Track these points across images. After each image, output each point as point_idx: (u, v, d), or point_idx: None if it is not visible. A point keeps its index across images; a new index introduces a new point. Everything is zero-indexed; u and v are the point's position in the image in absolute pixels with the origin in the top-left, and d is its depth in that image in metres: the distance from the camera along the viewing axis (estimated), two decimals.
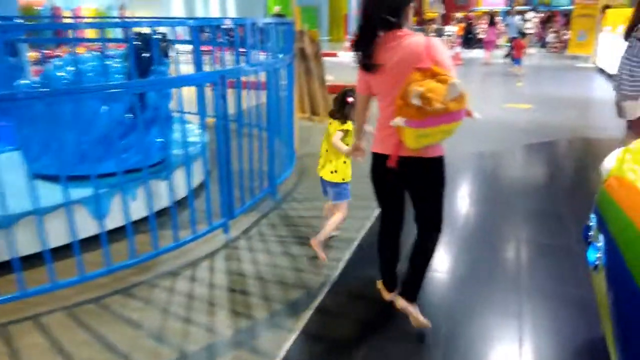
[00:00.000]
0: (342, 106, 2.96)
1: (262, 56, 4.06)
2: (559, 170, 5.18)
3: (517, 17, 15.45)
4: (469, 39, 21.04)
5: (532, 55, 18.16)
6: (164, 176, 3.56)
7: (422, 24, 25.23)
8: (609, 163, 2.02)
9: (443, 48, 2.18)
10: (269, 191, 4.16)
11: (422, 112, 2.00)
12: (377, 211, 3.77)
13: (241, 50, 3.67)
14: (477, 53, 19.74)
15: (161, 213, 3.45)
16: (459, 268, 3.11)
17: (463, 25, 22.00)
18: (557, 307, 2.67)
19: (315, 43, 5.19)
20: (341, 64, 14.52)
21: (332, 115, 3.03)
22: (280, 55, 4.27)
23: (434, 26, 23.99)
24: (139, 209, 3.36)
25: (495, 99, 9.40)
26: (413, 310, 2.42)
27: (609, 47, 12.49)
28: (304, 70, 5.36)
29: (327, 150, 3.13)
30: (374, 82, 2.29)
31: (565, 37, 18.72)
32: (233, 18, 3.72)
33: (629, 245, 1.53)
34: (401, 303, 2.46)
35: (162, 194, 3.47)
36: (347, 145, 2.94)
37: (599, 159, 5.55)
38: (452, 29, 22.26)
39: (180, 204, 3.63)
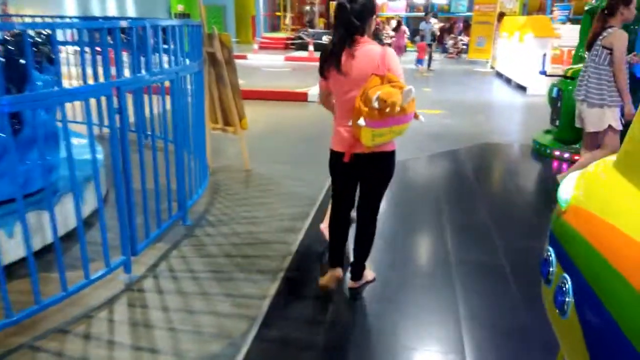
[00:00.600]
0: None
1: (165, 62, 3.56)
2: (477, 178, 5.19)
3: (433, 21, 15.82)
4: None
5: (435, 60, 18.89)
6: (46, 206, 2.97)
7: (329, 27, 25.45)
8: (566, 190, 1.84)
9: (396, 57, 2.45)
10: (179, 216, 3.66)
11: (379, 114, 2.25)
12: (299, 240, 3.49)
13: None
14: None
15: (50, 249, 2.86)
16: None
17: None
18: (500, 340, 2.50)
19: (227, 47, 4.74)
20: (251, 67, 14.06)
21: None
22: (187, 61, 3.80)
23: None
24: (17, 249, 2.75)
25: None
26: (362, 280, 2.88)
27: (505, 52, 13.25)
28: (215, 78, 4.89)
29: None
30: (334, 82, 2.51)
31: (461, 43, 19.70)
32: (131, 18, 3.18)
33: (608, 289, 1.32)
34: (352, 284, 2.87)
35: (47, 227, 2.87)
36: None
37: (512, 165, 5.58)
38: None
39: (73, 237, 3.05)
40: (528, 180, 5.31)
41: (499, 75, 13.83)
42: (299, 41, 22.59)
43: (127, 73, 2.86)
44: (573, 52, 14.24)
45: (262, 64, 16.13)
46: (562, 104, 5.63)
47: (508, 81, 12.50)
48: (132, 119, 3.02)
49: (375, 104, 2.22)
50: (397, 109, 2.24)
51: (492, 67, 15.63)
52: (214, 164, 5.22)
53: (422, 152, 5.88)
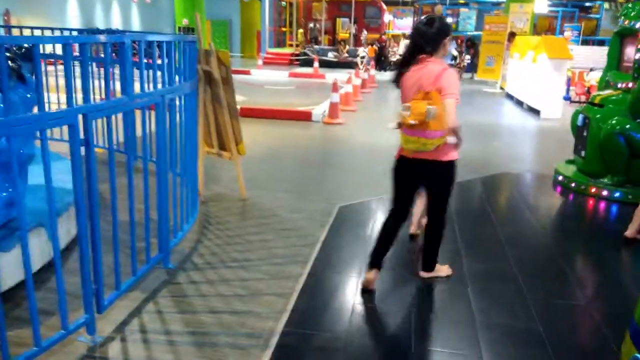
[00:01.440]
0: None
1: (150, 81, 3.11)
2: (499, 216, 4.69)
3: (453, 43, 15.10)
4: (382, 61, 21.14)
5: None
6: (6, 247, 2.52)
7: (335, 44, 25.22)
8: None
9: (452, 76, 2.68)
10: (160, 257, 3.18)
11: (406, 123, 2.64)
12: (297, 291, 2.98)
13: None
14: (390, 75, 19.86)
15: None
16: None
17: (375, 47, 22.13)
18: None
19: (225, 65, 4.30)
20: (254, 83, 13.67)
21: None
22: (178, 81, 3.35)
23: (347, 47, 24.06)
24: None
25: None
26: (435, 273, 3.18)
27: (517, 73, 12.83)
28: (210, 98, 4.45)
29: None
30: (402, 94, 2.87)
31: (464, 62, 19.12)
32: (133, 31, 2.72)
33: None
34: (423, 274, 3.18)
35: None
36: None
37: (536, 200, 5.02)
38: (365, 51, 22.35)
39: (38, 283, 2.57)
40: (556, 220, 4.81)
41: (510, 96, 13.39)
42: (304, 57, 22.30)
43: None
44: (585, 74, 13.94)
45: (265, 80, 15.75)
46: (588, 134, 5.16)
47: (519, 103, 12.05)
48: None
49: (405, 113, 2.62)
50: (410, 122, 2.59)
51: (501, 88, 15.22)
52: (207, 191, 4.76)
53: None
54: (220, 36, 26.10)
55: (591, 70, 14.03)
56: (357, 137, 7.78)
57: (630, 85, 4.91)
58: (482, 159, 6.67)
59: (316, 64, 18.93)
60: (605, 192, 4.96)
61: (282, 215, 4.29)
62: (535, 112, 10.75)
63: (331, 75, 17.26)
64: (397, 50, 18.72)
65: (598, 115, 5.09)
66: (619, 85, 5.16)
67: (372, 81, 15.33)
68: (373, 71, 16.11)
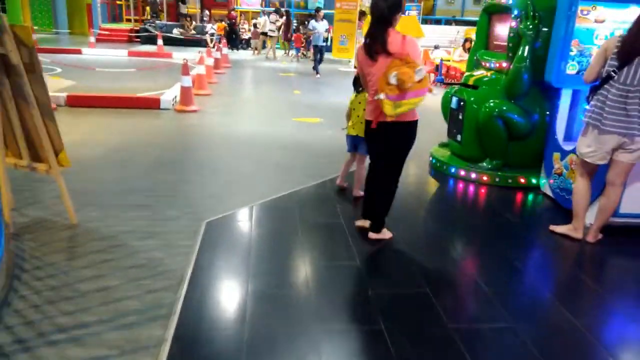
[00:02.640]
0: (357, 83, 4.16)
1: None
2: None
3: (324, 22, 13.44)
4: (234, 39, 19.98)
5: (287, 58, 18.09)
6: None
7: (179, 19, 23.31)
8: None
9: (414, 43, 3.05)
10: None
11: (398, 89, 2.90)
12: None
13: None
14: (243, 54, 18.85)
15: None
16: None
17: (224, 24, 20.84)
18: None
19: (27, 46, 3.09)
20: (86, 65, 11.63)
21: (358, 90, 4.25)
22: None
23: (194, 23, 22.34)
24: None
25: (282, 111, 8.33)
26: (381, 235, 3.48)
27: None
28: (10, 92, 3.19)
29: (358, 116, 4.10)
30: (367, 65, 3.13)
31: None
32: None
33: None
34: (371, 235, 3.48)
35: None
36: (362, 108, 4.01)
37: (417, 188, 4.55)
38: (213, 28, 20.96)
39: None
40: (442, 208, 4.50)
41: None
42: (145, 34, 20.16)
43: None
44: (430, 52, 14.50)
45: (100, 60, 13.67)
46: (464, 117, 4.93)
47: None
48: None
49: (393, 81, 2.86)
50: (409, 84, 2.85)
51: (355, 67, 15.23)
52: (19, 218, 3.50)
53: (312, 178, 4.76)
54: (42, 10, 22.36)
55: (435, 47, 14.68)
56: (216, 127, 6.81)
57: (504, 65, 4.74)
58: None
59: (160, 42, 17.12)
60: (485, 177, 4.79)
61: (129, 244, 3.27)
62: None
63: (179, 55, 15.74)
64: (262, 26, 17.62)
65: (473, 98, 4.87)
66: (492, 65, 4.99)
67: (226, 61, 14.23)
68: (225, 50, 14.96)
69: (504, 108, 4.58)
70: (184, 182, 4.49)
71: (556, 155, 4.36)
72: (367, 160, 3.60)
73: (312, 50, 13.87)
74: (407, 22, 10.36)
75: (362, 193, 4.05)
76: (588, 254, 3.54)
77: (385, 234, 3.49)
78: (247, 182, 4.62)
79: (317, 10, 13.39)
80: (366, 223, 3.52)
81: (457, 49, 13.37)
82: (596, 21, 4.15)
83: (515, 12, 4.53)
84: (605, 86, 3.25)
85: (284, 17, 18.05)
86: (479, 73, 5.08)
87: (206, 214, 3.76)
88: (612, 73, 3.21)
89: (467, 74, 5.26)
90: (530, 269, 3.34)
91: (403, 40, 2.99)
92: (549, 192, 4.47)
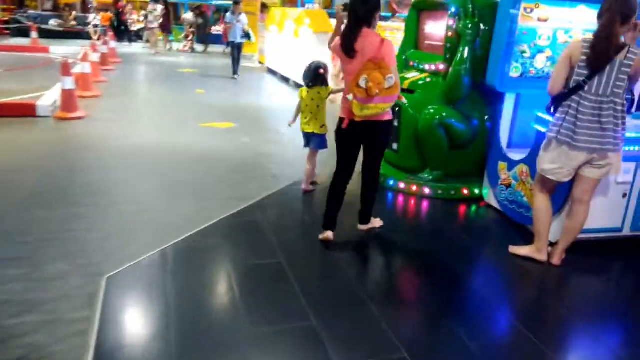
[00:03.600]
0: (318, 77, 4.09)
1: None
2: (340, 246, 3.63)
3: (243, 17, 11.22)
4: (122, 31, 18.20)
5: (179, 53, 16.88)
6: None
7: (58, 10, 20.89)
8: None
9: (391, 48, 3.00)
10: None
11: (365, 93, 2.93)
12: None
13: None
14: (135, 48, 17.20)
15: None
16: None
17: (109, 14, 18.93)
18: None
19: None
20: None
21: (308, 85, 4.13)
22: None
23: (74, 13, 20.06)
24: None
25: (186, 115, 7.38)
26: (371, 225, 3.59)
27: (278, 48, 12.14)
28: None
29: (311, 112, 4.16)
30: (346, 65, 3.07)
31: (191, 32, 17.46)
32: None
33: None
34: (362, 227, 3.57)
35: None
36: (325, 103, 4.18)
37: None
38: (97, 18, 18.97)
39: None
40: (396, 225, 4.00)
41: (272, 72, 12.70)
42: (16, 25, 17.70)
43: None
44: None
45: None
46: (400, 124, 4.48)
47: (285, 80, 11.40)
48: None
49: (363, 84, 2.91)
50: (376, 91, 2.91)
51: (260, 62, 14.48)
52: None
53: (236, 202, 4.02)
54: None
55: None
56: (109, 139, 5.75)
57: (441, 67, 4.34)
58: (281, 157, 5.56)
59: (35, 34, 15.01)
60: (427, 190, 4.38)
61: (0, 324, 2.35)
62: None
63: (58, 50, 13.88)
64: (154, 16, 15.89)
65: (409, 103, 4.42)
66: (426, 67, 4.58)
67: (114, 56, 12.74)
68: (113, 43, 13.41)
69: (444, 114, 4.18)
70: (71, 219, 3.54)
71: (502, 164, 4.05)
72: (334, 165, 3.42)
73: (230, 48, 12.02)
74: (317, 17, 9.82)
75: (310, 187, 4.32)
76: (555, 276, 3.23)
77: (376, 222, 3.62)
78: (154, 212, 3.76)
79: (236, 2, 11.29)
80: (330, 235, 3.37)
81: None
82: (539, 20, 3.86)
83: (453, 10, 4.14)
84: (574, 97, 2.91)
85: (163, 7, 16.40)
86: (412, 75, 4.64)
87: (106, 266, 2.90)
88: (582, 83, 2.87)
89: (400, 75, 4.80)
90: (494, 296, 2.93)
91: (380, 44, 2.95)
92: (495, 204, 4.17)
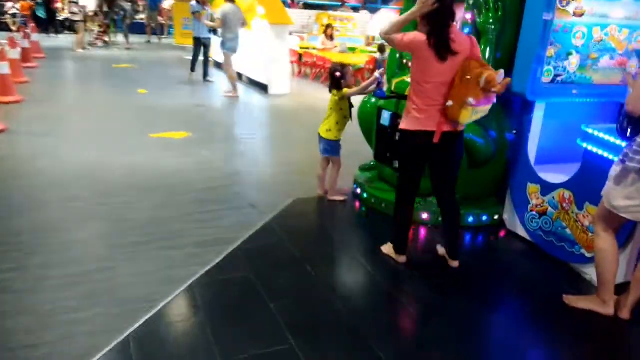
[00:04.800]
0: (335, 81, 3.83)
1: None
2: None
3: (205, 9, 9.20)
4: (46, 21, 16.32)
5: (117, 45, 15.34)
6: None
7: None
8: None
9: (477, 43, 2.78)
10: None
11: (483, 93, 2.61)
12: None
13: None
14: (62, 40, 15.41)
15: None
16: None
17: (29, 3, 16.94)
18: None
19: None
20: None
21: (331, 89, 3.89)
22: None
23: None
24: None
25: (131, 123, 6.28)
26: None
27: None
28: None
29: (337, 122, 3.88)
30: (431, 67, 2.66)
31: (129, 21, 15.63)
32: None
33: None
34: (454, 263, 3.09)
35: None
36: (342, 108, 3.86)
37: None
38: (15, 7, 16.92)
39: None
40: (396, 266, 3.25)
41: (218, 65, 11.60)
42: None
43: None
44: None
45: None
46: None
47: (238, 76, 10.37)
48: None
49: (483, 84, 2.57)
50: (498, 87, 2.57)
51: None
52: None
53: (210, 250, 3.13)
54: None
55: (290, 34, 13.44)
56: (36, 159, 4.63)
57: None
58: (249, 176, 4.67)
59: None
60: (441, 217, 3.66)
61: None
62: (260, 86, 9.27)
63: None
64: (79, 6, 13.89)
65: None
66: None
67: (37, 50, 11.17)
68: (36, 36, 11.77)
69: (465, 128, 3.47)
70: None
71: (533, 187, 3.40)
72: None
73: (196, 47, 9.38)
74: (273, 6, 8.87)
75: (339, 198, 4.03)
76: (627, 335, 2.61)
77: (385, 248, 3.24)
78: (104, 279, 2.77)
79: None
80: (404, 259, 3.11)
81: (320, 36, 12.32)
82: (575, 14, 3.22)
83: (470, 1, 3.41)
84: None
85: None
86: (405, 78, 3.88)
87: None
88: None
89: (399, 80, 4.03)
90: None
91: (470, 41, 2.74)
92: (522, 233, 3.53)
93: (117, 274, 2.81)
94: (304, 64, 11.46)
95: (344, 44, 11.85)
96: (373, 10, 17.47)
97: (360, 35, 15.18)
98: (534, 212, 3.41)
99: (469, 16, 3.43)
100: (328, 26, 12.00)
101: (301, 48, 11.84)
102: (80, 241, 3.17)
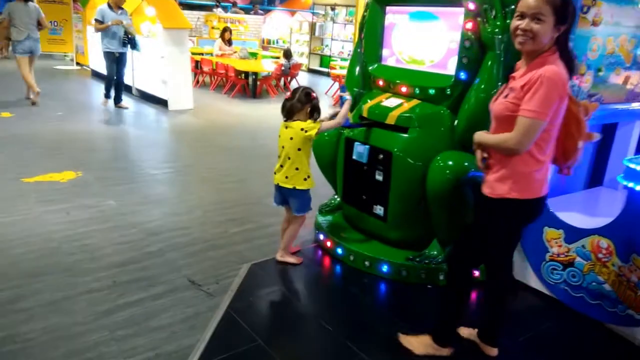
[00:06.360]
0: (310, 108, 2.84)
1: None
2: None
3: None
4: None
5: None
6: None
7: None
8: None
9: None
10: None
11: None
12: None
13: None
14: None
15: None
16: None
17: None
18: None
19: None
20: None
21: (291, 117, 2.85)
22: None
23: None
24: None
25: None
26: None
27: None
28: None
29: (289, 158, 2.86)
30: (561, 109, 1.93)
31: None
32: None
33: None
34: (492, 351, 2.37)
35: None
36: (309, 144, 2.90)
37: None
38: None
39: None
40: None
41: (100, 76, 9.94)
42: None
43: None
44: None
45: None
46: (390, 179, 2.94)
47: (126, 88, 8.86)
48: None
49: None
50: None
51: (78, 64, 11.48)
52: None
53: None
54: None
55: None
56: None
57: (431, 92, 2.89)
58: (193, 234, 3.54)
59: None
60: (441, 276, 2.92)
61: None
62: (157, 101, 7.95)
63: None
64: None
65: (402, 148, 2.90)
66: (404, 90, 3.07)
67: None
68: None
69: (469, 165, 2.75)
70: None
71: (551, 232, 2.79)
72: None
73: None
74: (166, 7, 7.58)
75: (293, 261, 3.10)
76: None
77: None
78: None
79: None
80: (450, 352, 2.35)
81: (215, 41, 11.13)
82: (594, 23, 2.66)
83: (471, 6, 2.69)
84: None
85: None
86: (393, 103, 3.09)
87: None
88: None
89: (372, 103, 3.18)
90: None
91: None
92: (538, 286, 2.92)
93: None
94: (202, 72, 10.24)
95: (244, 48, 10.81)
96: (264, 12, 16.59)
97: (254, 38, 14.23)
98: (555, 262, 2.80)
99: (470, 25, 2.71)
100: (225, 29, 10.85)
101: (193, 54, 10.57)
102: None
